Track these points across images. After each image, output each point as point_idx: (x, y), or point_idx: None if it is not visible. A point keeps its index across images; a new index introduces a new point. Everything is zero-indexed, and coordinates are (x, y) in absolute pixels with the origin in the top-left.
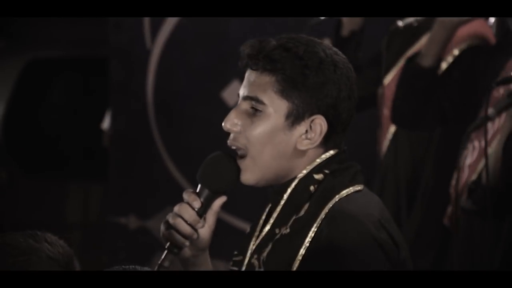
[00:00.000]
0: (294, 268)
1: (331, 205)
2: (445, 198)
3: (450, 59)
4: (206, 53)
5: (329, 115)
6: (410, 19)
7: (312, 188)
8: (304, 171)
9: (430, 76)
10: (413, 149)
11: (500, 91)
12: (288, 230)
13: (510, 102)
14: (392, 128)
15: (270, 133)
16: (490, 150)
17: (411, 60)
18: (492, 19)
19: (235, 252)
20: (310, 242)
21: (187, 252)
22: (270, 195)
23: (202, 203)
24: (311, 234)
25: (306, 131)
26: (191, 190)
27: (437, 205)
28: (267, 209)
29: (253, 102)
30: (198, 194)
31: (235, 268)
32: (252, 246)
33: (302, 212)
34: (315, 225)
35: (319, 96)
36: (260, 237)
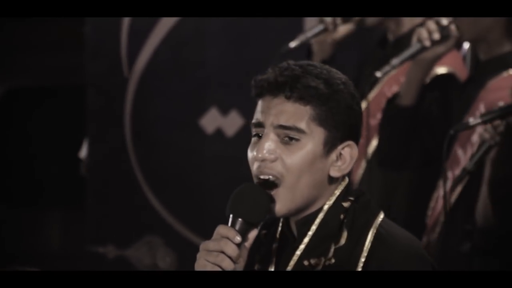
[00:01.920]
0: None
1: (374, 231)
2: (419, 228)
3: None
4: (183, 80)
5: (355, 141)
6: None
7: (342, 216)
8: (330, 201)
9: (412, 115)
10: (387, 178)
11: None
12: (332, 261)
13: (486, 151)
14: (370, 151)
15: (310, 162)
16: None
17: (391, 101)
18: (465, 50)
19: None
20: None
21: None
22: (265, 231)
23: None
24: (360, 264)
25: (337, 158)
26: (225, 225)
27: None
28: (275, 243)
29: (289, 131)
30: (233, 227)
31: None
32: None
33: (342, 241)
34: (363, 253)
35: (350, 121)
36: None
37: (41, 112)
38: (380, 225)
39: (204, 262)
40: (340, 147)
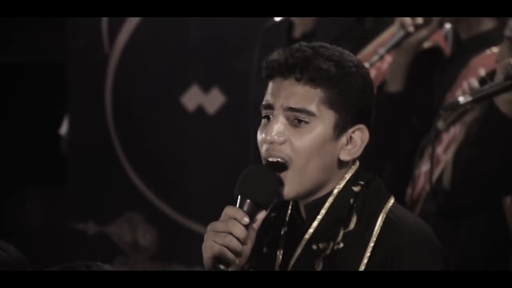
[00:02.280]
0: None
1: (384, 216)
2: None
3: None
4: (165, 57)
5: (367, 123)
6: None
7: (351, 200)
8: (339, 185)
9: (402, 100)
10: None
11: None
12: (341, 245)
13: (460, 114)
14: None
15: (320, 145)
16: (446, 157)
17: (379, 89)
18: (447, 29)
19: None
20: (370, 256)
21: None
22: (275, 214)
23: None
24: (369, 247)
25: (347, 142)
26: (233, 206)
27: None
28: (284, 226)
29: (298, 114)
30: (240, 209)
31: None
32: (278, 267)
33: (352, 226)
34: (372, 238)
35: (361, 105)
36: (294, 256)
37: (21, 89)
38: (390, 210)
39: (211, 243)
40: (350, 130)
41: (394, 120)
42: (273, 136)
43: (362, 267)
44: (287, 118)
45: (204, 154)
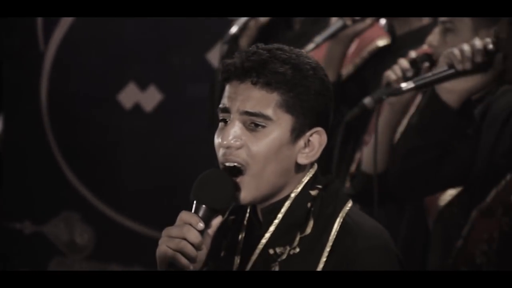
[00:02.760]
0: None
1: (340, 221)
2: None
3: (358, 60)
4: (101, 55)
5: (325, 127)
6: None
7: (309, 204)
8: (297, 189)
9: (336, 92)
10: None
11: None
12: (297, 250)
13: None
14: None
15: (276, 149)
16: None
17: None
18: (383, 23)
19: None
20: (326, 261)
21: None
22: (233, 217)
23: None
24: (325, 252)
25: (305, 145)
26: (188, 211)
27: None
28: (242, 231)
29: (255, 118)
30: (195, 214)
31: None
32: (238, 269)
33: (308, 230)
34: (328, 243)
35: (318, 106)
36: (251, 259)
37: None
38: (347, 214)
39: (165, 248)
40: (308, 133)
41: None
42: (230, 140)
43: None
44: (244, 122)
45: (141, 152)
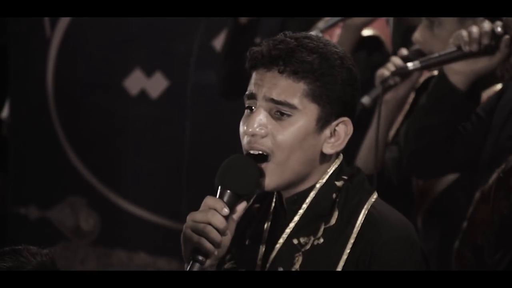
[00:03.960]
0: None
1: (365, 213)
2: None
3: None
4: (107, 41)
5: (351, 117)
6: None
7: (334, 195)
8: (322, 179)
9: None
10: None
11: None
12: (321, 241)
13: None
14: None
15: (302, 138)
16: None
17: None
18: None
19: (228, 264)
20: (350, 252)
21: (207, 262)
22: (258, 205)
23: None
24: (350, 244)
25: (331, 134)
26: (213, 196)
27: None
28: (268, 220)
29: (280, 106)
30: (220, 199)
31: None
32: (260, 260)
33: (332, 221)
34: (352, 234)
35: (345, 96)
36: (276, 248)
37: None
38: (373, 205)
39: (190, 234)
40: (334, 123)
41: None
42: (255, 128)
43: (341, 263)
44: (270, 110)
45: (147, 139)
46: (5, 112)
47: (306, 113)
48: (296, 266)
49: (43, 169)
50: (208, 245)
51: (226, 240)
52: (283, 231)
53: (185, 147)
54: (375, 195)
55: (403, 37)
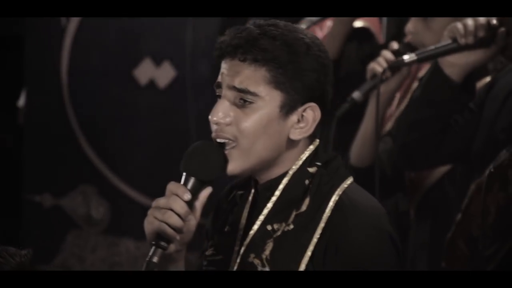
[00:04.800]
0: (304, 265)
1: (336, 199)
2: None
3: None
4: (119, 31)
5: (319, 102)
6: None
7: (307, 182)
8: (295, 165)
9: (336, 68)
10: None
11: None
12: (291, 227)
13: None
14: None
15: (265, 125)
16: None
17: None
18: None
19: (210, 251)
20: (319, 238)
21: (171, 246)
22: (242, 192)
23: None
24: (319, 230)
25: (298, 120)
26: (176, 182)
27: None
28: (246, 206)
29: (243, 94)
30: (185, 185)
31: (213, 268)
32: (238, 246)
33: (303, 207)
34: (322, 220)
35: (311, 82)
36: (249, 235)
37: None
38: (344, 191)
39: (152, 219)
40: (301, 109)
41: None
42: (219, 117)
43: (310, 248)
44: (234, 98)
45: (155, 127)
46: (22, 101)
47: (269, 100)
48: (266, 253)
49: (57, 157)
50: (169, 230)
51: (190, 225)
52: (258, 218)
53: (191, 136)
54: (348, 181)
55: (398, 26)
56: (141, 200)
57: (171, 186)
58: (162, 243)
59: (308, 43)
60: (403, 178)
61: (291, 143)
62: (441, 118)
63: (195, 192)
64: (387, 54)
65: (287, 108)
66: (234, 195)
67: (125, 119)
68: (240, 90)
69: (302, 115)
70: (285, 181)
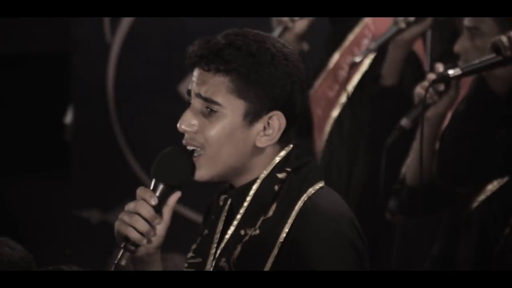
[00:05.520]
0: (268, 269)
1: (301, 204)
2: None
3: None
4: (164, 46)
5: (285, 110)
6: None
7: (276, 187)
8: (266, 171)
9: (396, 95)
10: (349, 149)
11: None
12: (257, 232)
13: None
14: (328, 128)
15: (229, 133)
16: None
17: (374, 82)
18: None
19: (190, 254)
20: (282, 243)
21: (141, 250)
22: (226, 196)
23: (158, 199)
24: (283, 234)
25: (264, 128)
26: (145, 187)
27: (370, 201)
28: (224, 211)
29: (207, 103)
30: (154, 190)
31: (192, 270)
32: (214, 249)
33: (270, 213)
34: (286, 225)
35: (274, 91)
36: (225, 239)
37: (26, 79)
38: (310, 197)
39: (119, 222)
40: (266, 117)
41: (387, 114)
42: (186, 125)
43: (274, 253)
44: (201, 106)
45: None
46: (69, 118)
47: (232, 109)
48: (234, 257)
49: (104, 173)
50: (135, 234)
51: (159, 229)
52: (232, 223)
53: None
54: (317, 186)
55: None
56: (188, 215)
57: (140, 191)
58: (130, 247)
59: (273, 52)
60: (455, 193)
61: (259, 150)
62: (486, 132)
63: (163, 197)
64: (432, 76)
65: (251, 117)
66: (218, 200)
67: (171, 134)
68: (205, 99)
69: (268, 123)
70: (255, 187)
